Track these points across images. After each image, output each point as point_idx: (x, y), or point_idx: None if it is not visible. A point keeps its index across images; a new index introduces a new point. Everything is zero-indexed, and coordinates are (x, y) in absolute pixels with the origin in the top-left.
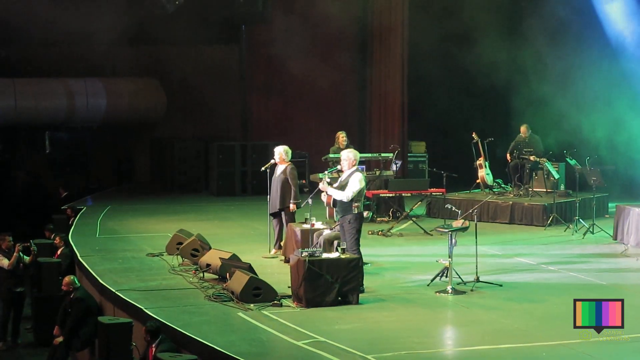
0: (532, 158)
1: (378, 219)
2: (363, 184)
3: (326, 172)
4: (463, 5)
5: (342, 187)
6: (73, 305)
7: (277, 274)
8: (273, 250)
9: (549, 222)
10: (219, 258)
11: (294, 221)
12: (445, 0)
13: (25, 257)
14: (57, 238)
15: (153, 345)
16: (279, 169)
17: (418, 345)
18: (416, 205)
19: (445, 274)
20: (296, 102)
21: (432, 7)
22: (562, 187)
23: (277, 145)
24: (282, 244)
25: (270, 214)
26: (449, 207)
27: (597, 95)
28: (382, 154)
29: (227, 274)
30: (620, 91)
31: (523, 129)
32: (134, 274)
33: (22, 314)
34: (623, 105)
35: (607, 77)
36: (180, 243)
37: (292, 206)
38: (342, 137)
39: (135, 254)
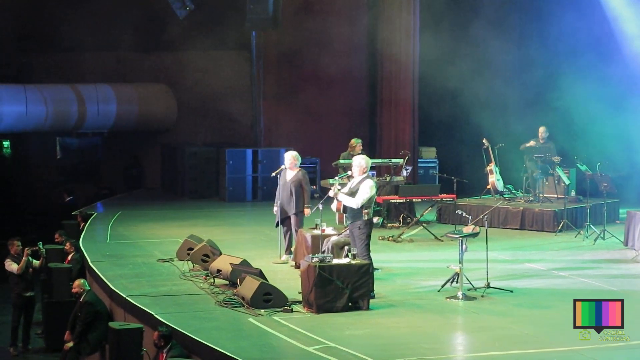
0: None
1: (388, 224)
2: (374, 191)
3: (336, 177)
4: (471, 18)
5: (352, 194)
6: (82, 309)
7: (288, 279)
8: (284, 256)
9: (559, 228)
10: (230, 264)
11: (303, 227)
12: (454, 14)
13: (34, 261)
14: (68, 244)
15: (164, 351)
16: (289, 175)
17: (428, 351)
18: (427, 211)
19: (455, 280)
20: (307, 107)
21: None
22: (573, 192)
23: (288, 150)
24: (292, 249)
25: (280, 220)
26: (460, 212)
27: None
28: (393, 160)
29: (238, 279)
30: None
31: (542, 129)
32: (144, 279)
33: (32, 319)
34: (633, 109)
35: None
36: (191, 249)
37: (307, 210)
38: (354, 145)
39: (145, 260)
